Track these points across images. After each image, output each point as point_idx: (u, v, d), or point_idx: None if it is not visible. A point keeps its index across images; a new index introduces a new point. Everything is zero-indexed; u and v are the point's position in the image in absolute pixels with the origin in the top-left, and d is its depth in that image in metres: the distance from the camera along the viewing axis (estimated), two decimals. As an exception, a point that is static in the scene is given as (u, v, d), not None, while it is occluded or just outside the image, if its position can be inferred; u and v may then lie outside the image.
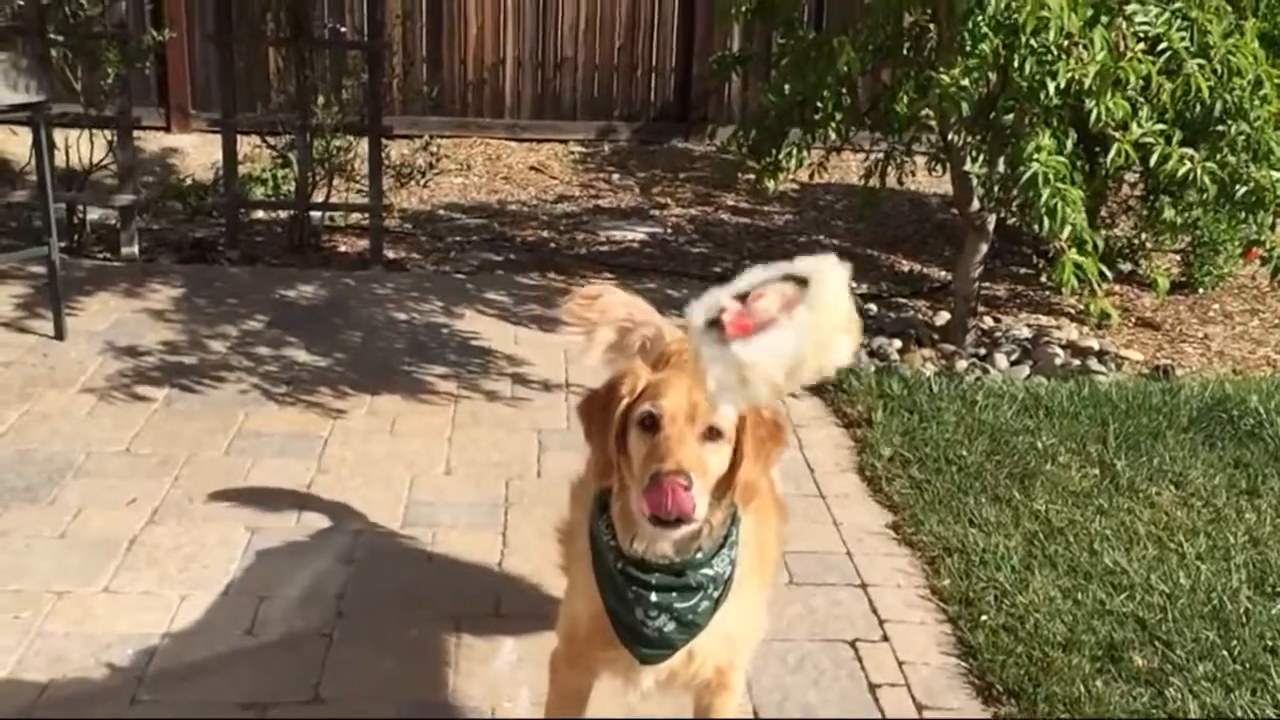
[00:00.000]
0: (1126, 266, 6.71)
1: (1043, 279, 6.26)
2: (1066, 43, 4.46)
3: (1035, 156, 4.57)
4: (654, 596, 2.36)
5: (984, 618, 3.41)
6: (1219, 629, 3.39)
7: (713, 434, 2.25)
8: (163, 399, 4.58)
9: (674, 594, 2.36)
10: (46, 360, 4.85)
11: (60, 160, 6.12)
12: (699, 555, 2.36)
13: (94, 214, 6.48)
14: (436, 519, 3.85)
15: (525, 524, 3.83)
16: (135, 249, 6.20)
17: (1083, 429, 4.61)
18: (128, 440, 4.23)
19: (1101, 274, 4.74)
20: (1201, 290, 6.52)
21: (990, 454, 4.36)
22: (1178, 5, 4.86)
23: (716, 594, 2.40)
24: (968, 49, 4.57)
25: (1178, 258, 6.85)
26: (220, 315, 5.44)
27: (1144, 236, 6.66)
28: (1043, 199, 4.55)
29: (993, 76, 4.85)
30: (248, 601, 3.35)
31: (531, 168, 8.56)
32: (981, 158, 5.28)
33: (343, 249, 6.64)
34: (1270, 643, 3.35)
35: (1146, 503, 4.10)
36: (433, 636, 3.25)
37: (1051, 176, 4.56)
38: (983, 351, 5.50)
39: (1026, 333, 5.85)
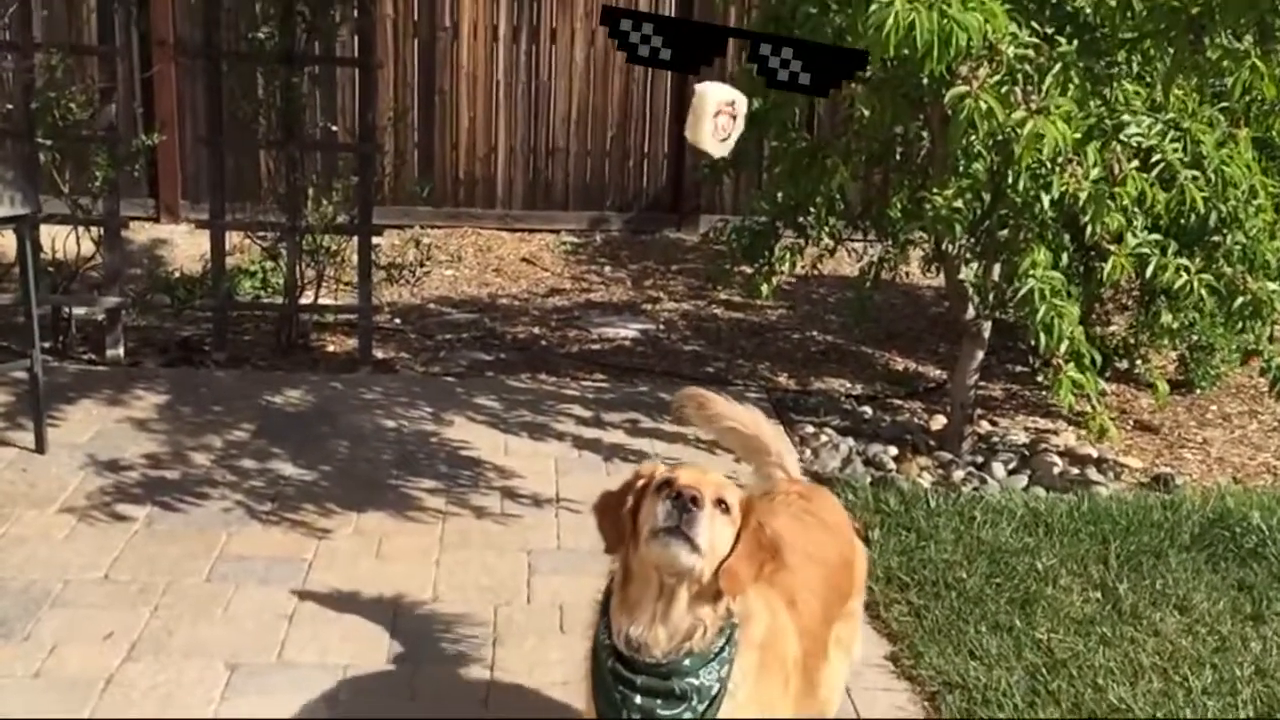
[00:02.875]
0: (1123, 364, 6.66)
1: (1039, 379, 6.19)
2: (1060, 158, 4.43)
3: (1031, 272, 4.53)
4: (639, 699, 2.43)
5: (987, 764, 3.31)
6: (1229, 776, 3.30)
7: (722, 505, 2.41)
8: (144, 519, 4.47)
9: (659, 700, 2.43)
10: (26, 476, 4.75)
11: (46, 255, 6.07)
12: (687, 662, 2.41)
13: (80, 309, 6.41)
14: (422, 653, 3.74)
15: (514, 658, 3.73)
16: (121, 351, 6.13)
17: (1083, 548, 4.52)
18: (106, 566, 4.12)
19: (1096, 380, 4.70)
20: (1199, 390, 6.46)
21: (990, 577, 4.27)
22: (1170, 116, 4.85)
23: (701, 708, 2.44)
24: (960, 169, 4.54)
25: (1174, 355, 6.80)
26: (205, 424, 5.34)
27: (1141, 336, 6.60)
28: (1039, 315, 4.51)
29: (986, 196, 4.82)
30: (225, 750, 3.25)
31: (523, 259, 8.52)
32: (977, 265, 5.24)
33: (331, 348, 6.58)
34: (1282, 791, 3.26)
35: (1150, 630, 4.01)
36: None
37: (1048, 292, 4.52)
38: (980, 460, 5.42)
39: (1024, 438, 5.77)
